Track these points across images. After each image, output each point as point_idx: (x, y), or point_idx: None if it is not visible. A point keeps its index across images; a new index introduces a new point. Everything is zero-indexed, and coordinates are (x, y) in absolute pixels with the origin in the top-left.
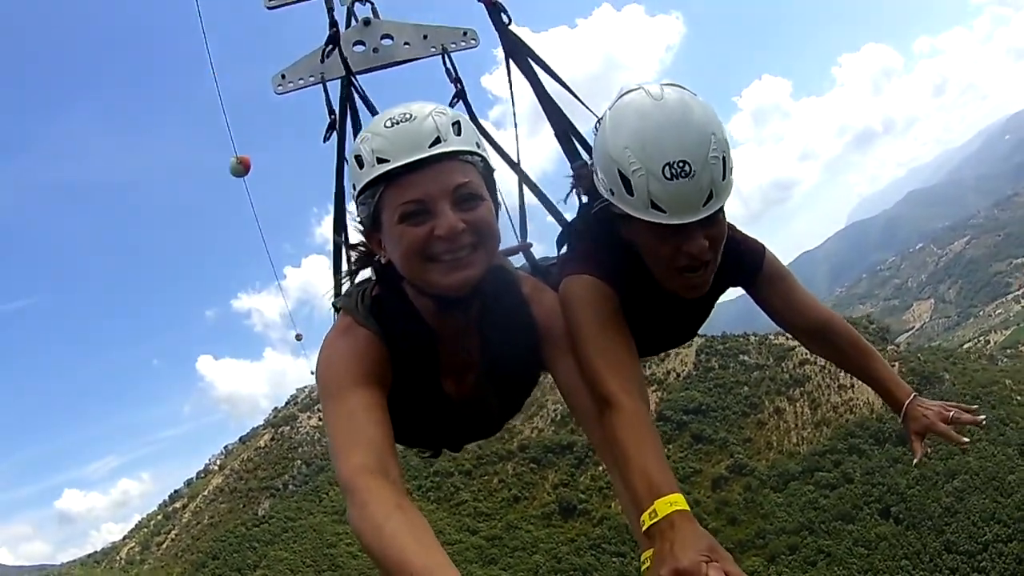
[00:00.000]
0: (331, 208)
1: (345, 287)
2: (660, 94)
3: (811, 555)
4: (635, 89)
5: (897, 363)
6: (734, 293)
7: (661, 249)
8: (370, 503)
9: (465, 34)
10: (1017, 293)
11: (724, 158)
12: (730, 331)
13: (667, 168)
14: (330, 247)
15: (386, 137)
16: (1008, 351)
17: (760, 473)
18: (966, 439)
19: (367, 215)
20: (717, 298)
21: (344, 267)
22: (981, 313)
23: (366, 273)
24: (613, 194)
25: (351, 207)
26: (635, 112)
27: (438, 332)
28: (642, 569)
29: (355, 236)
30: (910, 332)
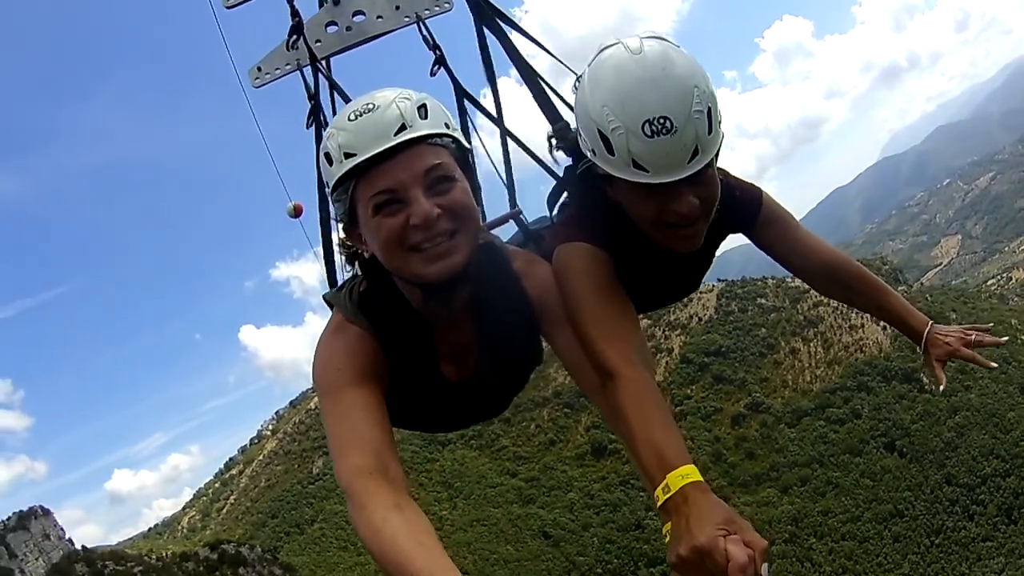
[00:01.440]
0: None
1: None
2: (639, 48)
3: (821, 486)
4: (614, 44)
5: None
6: None
7: (646, 208)
8: (369, 504)
9: None
10: None
11: (710, 111)
12: (749, 275)
13: (647, 125)
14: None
15: (351, 131)
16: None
17: (775, 410)
18: (994, 364)
19: (343, 211)
20: (716, 247)
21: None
22: (1006, 249)
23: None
24: (595, 154)
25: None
26: (613, 68)
27: (430, 320)
28: (666, 542)
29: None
30: (938, 268)
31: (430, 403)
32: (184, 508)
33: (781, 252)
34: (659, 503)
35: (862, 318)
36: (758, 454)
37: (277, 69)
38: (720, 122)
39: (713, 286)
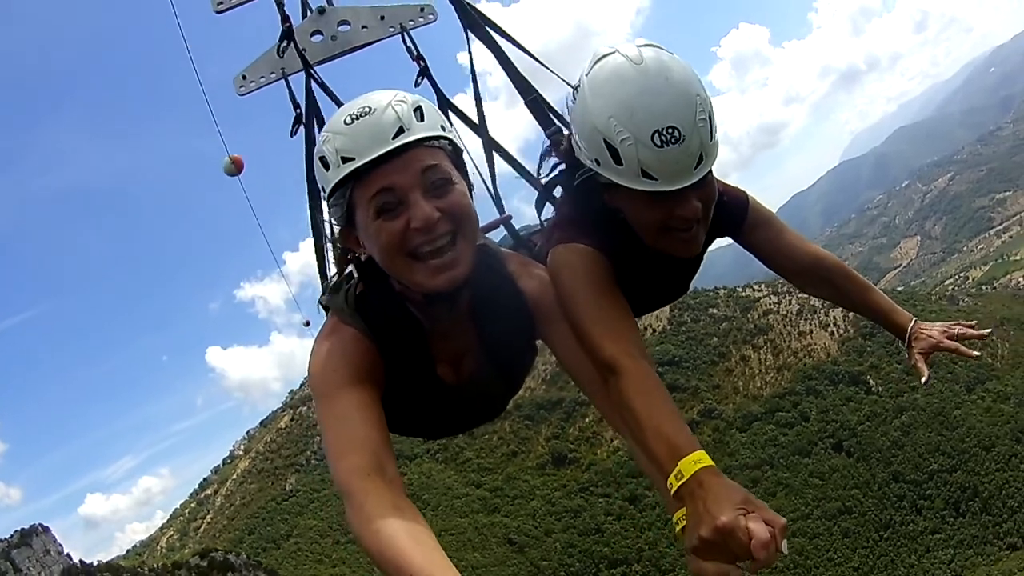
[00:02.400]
0: (307, 208)
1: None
2: (639, 56)
3: (771, 487)
4: (610, 53)
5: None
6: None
7: (652, 215)
8: (367, 505)
9: (422, 10)
10: (999, 228)
11: (710, 117)
12: (701, 286)
13: (656, 135)
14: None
15: (348, 135)
16: (983, 288)
17: (727, 416)
18: (976, 352)
19: (340, 215)
20: (705, 251)
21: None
22: (964, 248)
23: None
24: (599, 164)
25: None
26: (616, 78)
27: (428, 324)
28: (676, 530)
29: (332, 238)
30: (898, 269)
31: (427, 407)
32: (161, 528)
33: (767, 253)
34: (673, 490)
35: (810, 324)
36: (712, 458)
37: (262, 77)
38: (717, 127)
39: None
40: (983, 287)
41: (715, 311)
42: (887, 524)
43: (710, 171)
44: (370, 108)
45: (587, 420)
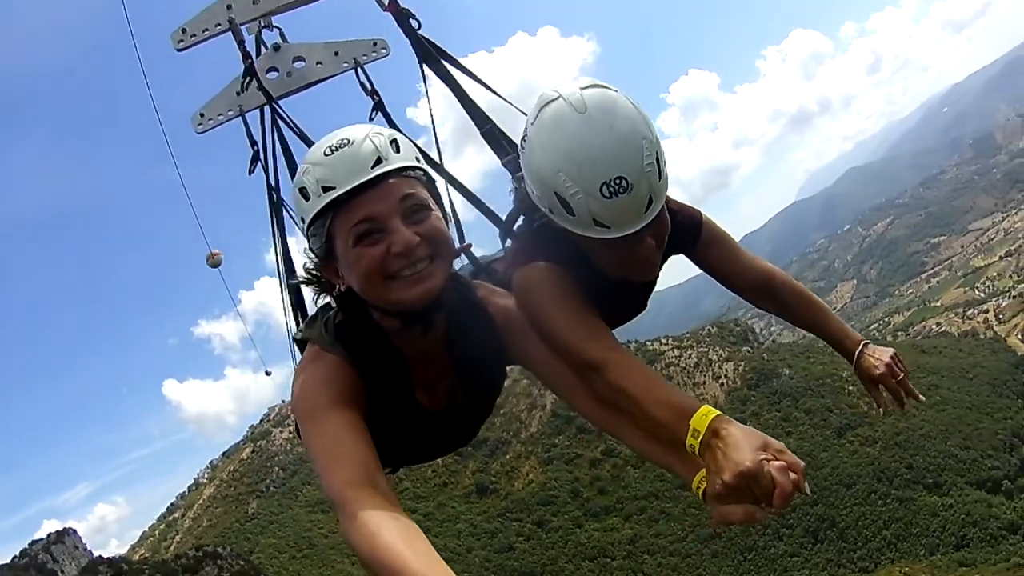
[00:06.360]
0: (274, 247)
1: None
2: (582, 103)
3: (655, 515)
4: (555, 99)
5: (743, 363)
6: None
7: (610, 256)
8: (361, 514)
9: (375, 44)
10: (929, 272)
11: (658, 158)
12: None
13: (604, 187)
14: (282, 284)
15: (328, 165)
16: (898, 334)
17: (624, 455)
18: (922, 396)
19: (319, 245)
20: (660, 269)
21: (300, 301)
22: (896, 293)
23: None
24: (553, 212)
25: (294, 241)
26: (559, 129)
27: (406, 350)
28: (699, 493)
29: (310, 267)
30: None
31: (405, 433)
32: (131, 548)
33: (721, 271)
34: (695, 450)
35: (704, 376)
36: (608, 490)
37: (220, 115)
38: (665, 163)
39: None
40: (898, 333)
41: None
42: (751, 547)
43: (662, 209)
44: (349, 140)
45: (507, 457)
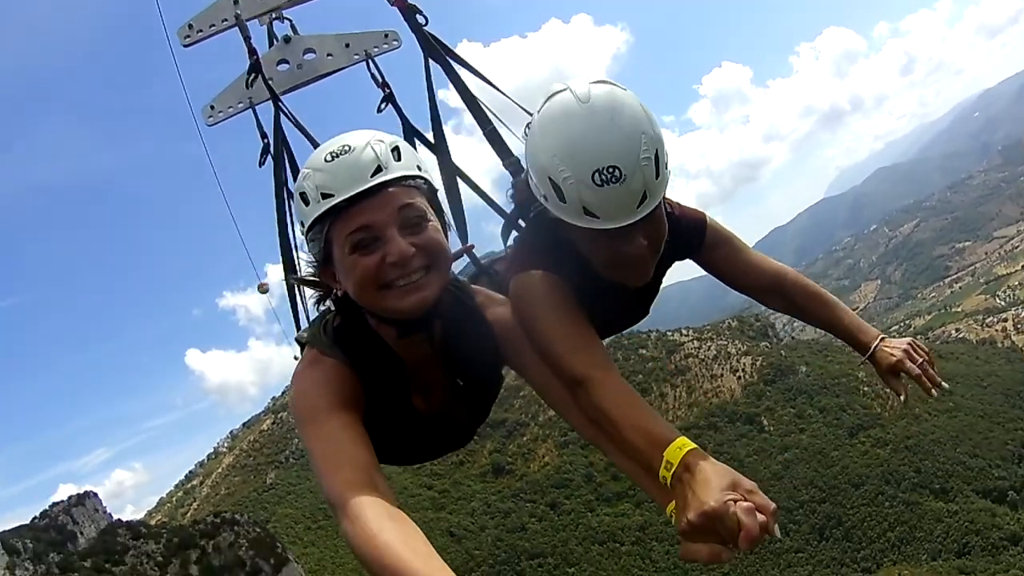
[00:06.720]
0: (278, 243)
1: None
2: (587, 95)
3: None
4: (562, 90)
5: (761, 358)
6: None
7: (599, 250)
8: (362, 515)
9: (387, 36)
10: (952, 277)
11: (657, 155)
12: (637, 329)
13: (596, 175)
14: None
15: (328, 172)
16: (917, 337)
17: None
18: (945, 384)
19: (318, 251)
20: (663, 275)
21: (300, 302)
22: (919, 296)
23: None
24: (547, 200)
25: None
26: (562, 116)
27: (403, 356)
28: (673, 521)
29: (309, 270)
30: (855, 312)
31: (403, 436)
32: (149, 513)
33: (727, 272)
34: (667, 482)
35: (722, 369)
36: (621, 476)
37: (230, 107)
38: (667, 164)
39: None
40: (918, 336)
41: (644, 352)
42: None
43: (659, 207)
44: (349, 147)
45: (524, 439)
